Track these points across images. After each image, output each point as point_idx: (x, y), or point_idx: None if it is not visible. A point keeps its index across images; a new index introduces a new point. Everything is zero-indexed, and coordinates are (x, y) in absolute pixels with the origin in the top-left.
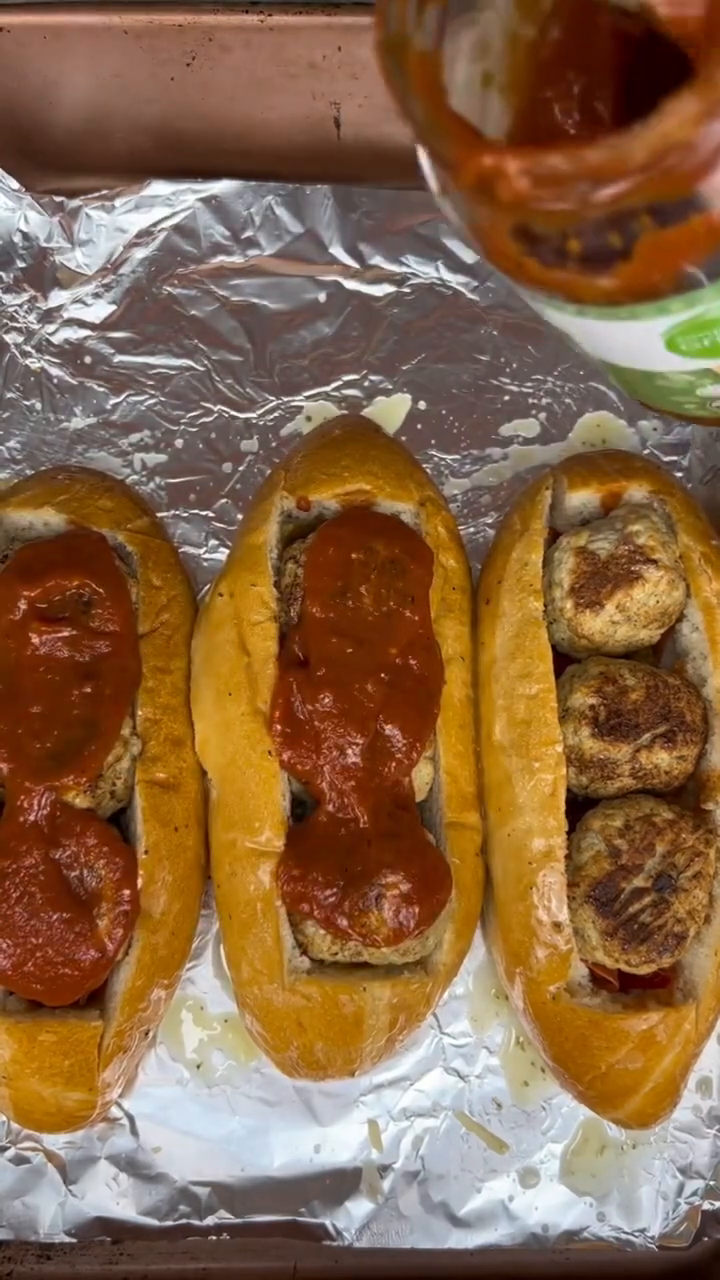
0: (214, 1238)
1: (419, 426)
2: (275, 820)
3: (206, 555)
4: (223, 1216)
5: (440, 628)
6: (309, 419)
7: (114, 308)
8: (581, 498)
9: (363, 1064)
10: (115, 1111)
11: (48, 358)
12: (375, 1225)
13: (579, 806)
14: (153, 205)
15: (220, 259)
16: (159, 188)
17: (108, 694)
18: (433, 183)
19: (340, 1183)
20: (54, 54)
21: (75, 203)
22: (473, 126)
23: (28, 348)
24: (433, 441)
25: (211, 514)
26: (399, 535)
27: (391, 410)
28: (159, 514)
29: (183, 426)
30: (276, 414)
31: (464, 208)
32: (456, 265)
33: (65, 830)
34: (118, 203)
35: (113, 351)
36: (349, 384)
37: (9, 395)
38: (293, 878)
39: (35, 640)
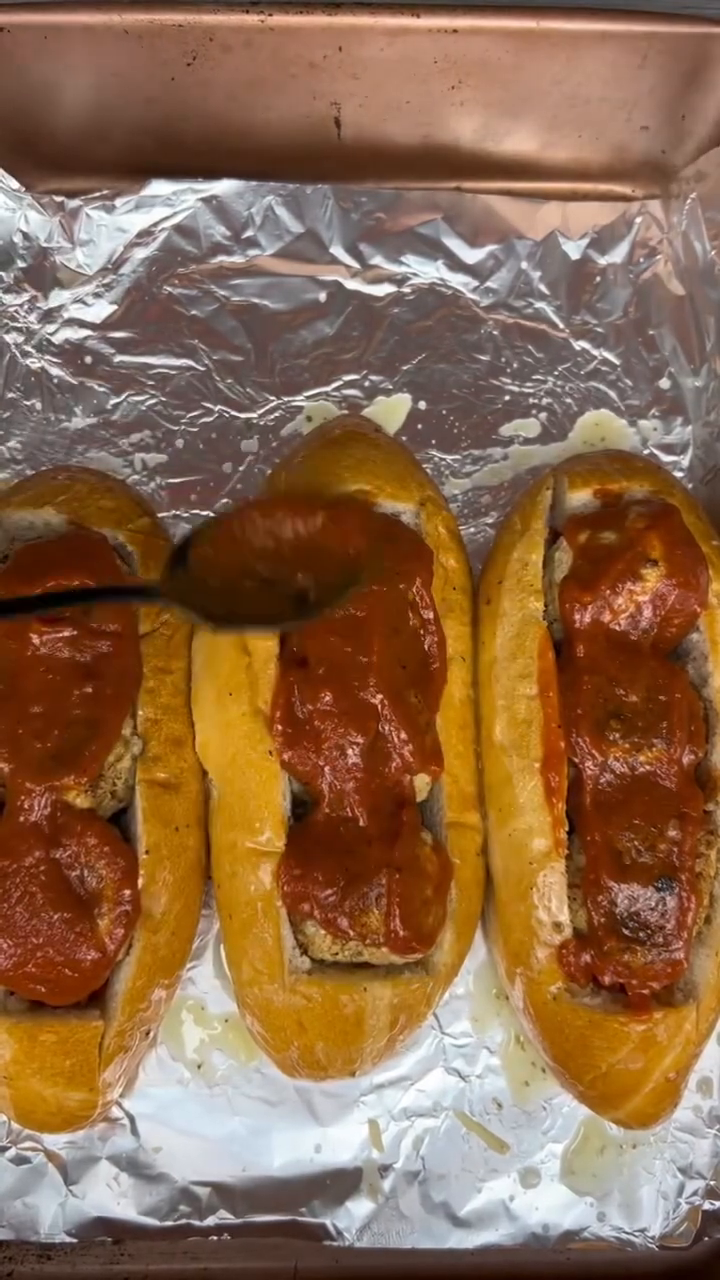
0: (214, 1238)
1: (419, 426)
2: (276, 820)
3: None
4: (223, 1216)
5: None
6: (309, 419)
7: (114, 308)
8: (582, 498)
9: (363, 1064)
10: (116, 1111)
11: (48, 358)
12: (376, 1225)
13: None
14: (153, 205)
15: (221, 259)
16: (159, 187)
17: (108, 694)
18: None
19: (341, 1182)
20: (54, 53)
21: (75, 203)
22: None
23: (28, 348)
24: (433, 441)
25: (212, 514)
26: (399, 535)
27: (391, 410)
28: (159, 514)
29: (183, 426)
30: (277, 414)
31: None
32: (457, 265)
33: (66, 830)
34: (118, 203)
35: (113, 351)
36: (349, 384)
37: (9, 395)
38: (293, 878)
39: (36, 640)
